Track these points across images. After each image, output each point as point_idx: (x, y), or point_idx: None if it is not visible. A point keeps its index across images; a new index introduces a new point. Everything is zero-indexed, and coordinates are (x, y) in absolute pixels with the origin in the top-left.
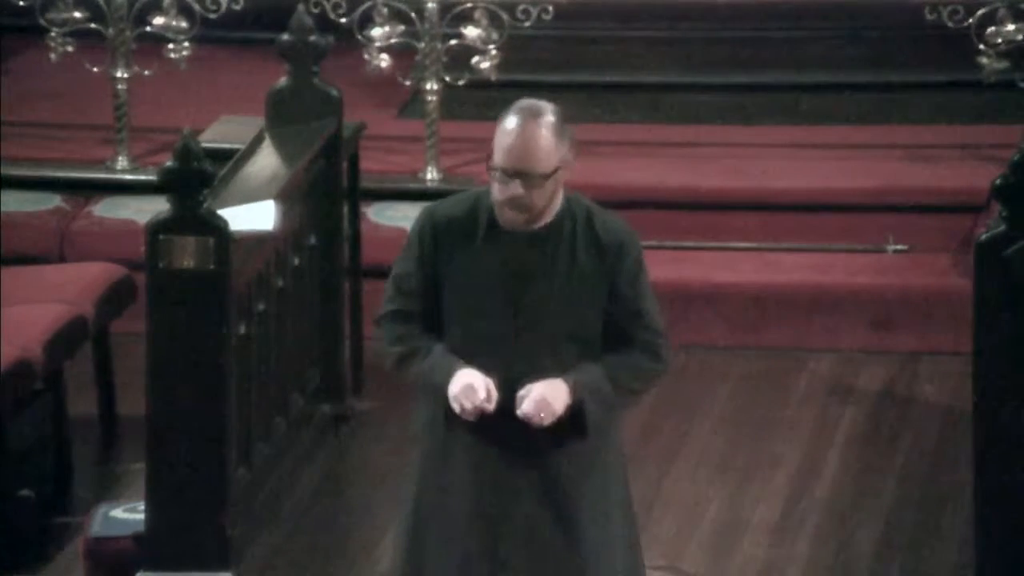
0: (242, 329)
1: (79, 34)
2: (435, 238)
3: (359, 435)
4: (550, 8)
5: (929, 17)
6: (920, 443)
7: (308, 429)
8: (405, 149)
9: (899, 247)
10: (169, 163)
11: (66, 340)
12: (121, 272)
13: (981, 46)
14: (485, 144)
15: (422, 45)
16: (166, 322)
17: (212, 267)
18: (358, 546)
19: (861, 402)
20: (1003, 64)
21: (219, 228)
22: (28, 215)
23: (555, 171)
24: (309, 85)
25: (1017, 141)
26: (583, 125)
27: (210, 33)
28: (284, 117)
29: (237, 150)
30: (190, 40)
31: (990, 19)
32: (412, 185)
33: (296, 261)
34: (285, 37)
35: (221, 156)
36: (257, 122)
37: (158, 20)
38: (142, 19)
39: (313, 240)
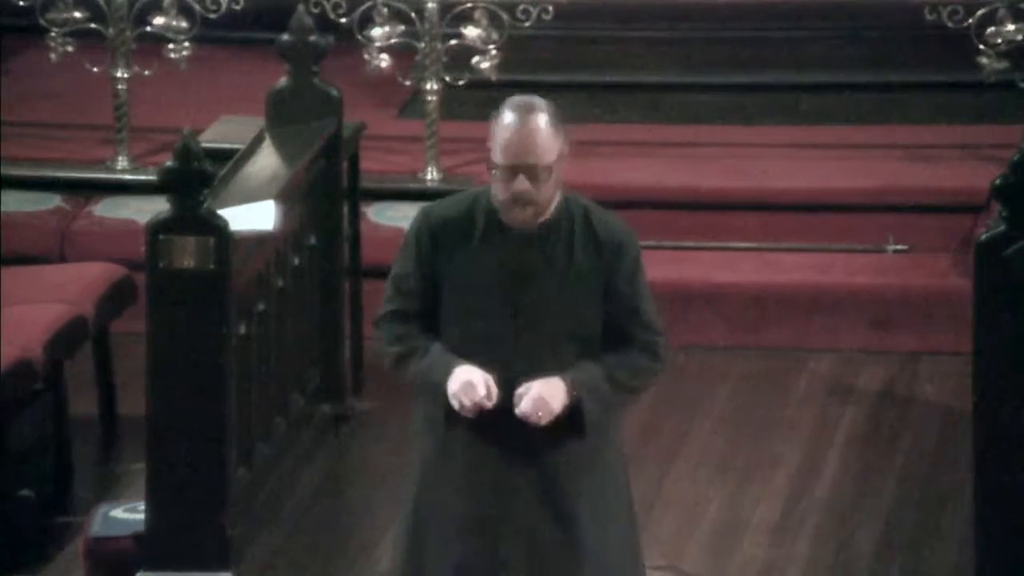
0: (242, 329)
1: (79, 34)
2: (432, 238)
3: (359, 435)
4: (550, 8)
5: (929, 17)
6: (920, 443)
7: (308, 429)
8: (405, 149)
9: (899, 247)
10: (169, 163)
11: (66, 340)
12: (121, 272)
13: (981, 46)
14: (485, 144)
15: (422, 45)
16: (166, 322)
17: (212, 267)
18: (358, 546)
19: (861, 402)
20: (1003, 64)
21: (219, 228)
22: (28, 215)
23: (556, 162)
24: (309, 85)
25: (1017, 141)
26: (583, 125)
27: (210, 33)
28: (284, 117)
29: (237, 150)
30: (190, 40)
31: (990, 19)
32: (412, 185)
33: (296, 261)
34: (285, 37)
35: (221, 156)
36: (257, 122)
37: (158, 20)
38: (142, 19)
39: (313, 240)
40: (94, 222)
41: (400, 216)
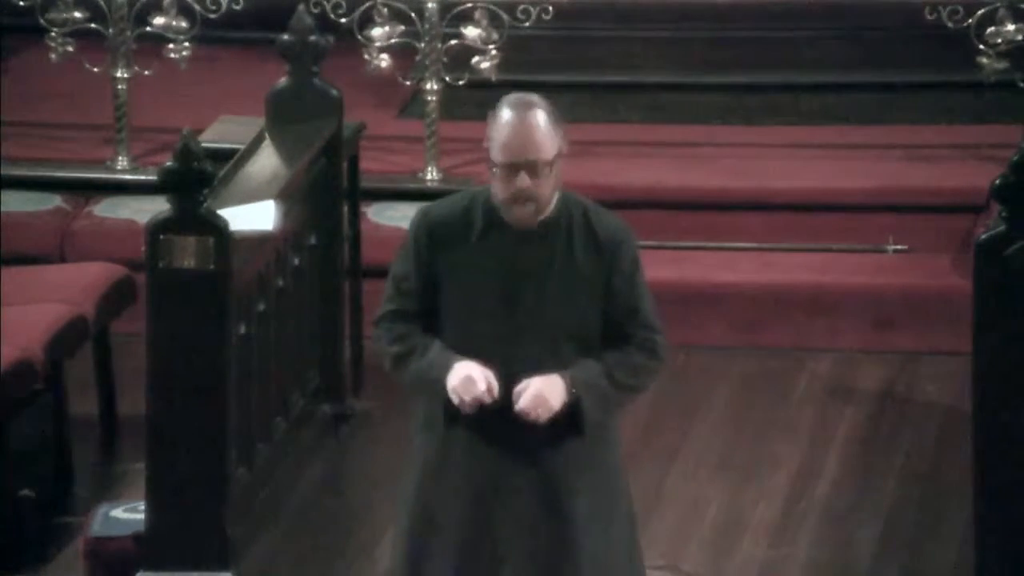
0: (242, 329)
1: (79, 34)
2: (431, 238)
3: (359, 435)
4: (550, 8)
5: (929, 17)
6: (920, 443)
7: (308, 429)
8: (405, 149)
9: (899, 247)
10: (169, 163)
11: (66, 340)
12: (121, 272)
13: (981, 46)
14: (482, 144)
15: (422, 45)
16: (166, 322)
17: (212, 267)
18: (358, 546)
19: (861, 402)
20: (1003, 64)
21: (219, 228)
22: (28, 215)
23: (556, 157)
24: (309, 85)
25: (1017, 141)
26: (583, 125)
27: (210, 33)
28: (284, 117)
29: (237, 150)
30: (190, 40)
31: (990, 19)
32: (412, 185)
33: (296, 261)
34: (285, 37)
35: (221, 156)
36: (257, 122)
37: (158, 20)
38: (142, 19)
39: (313, 240)
40: (94, 222)
41: (400, 216)
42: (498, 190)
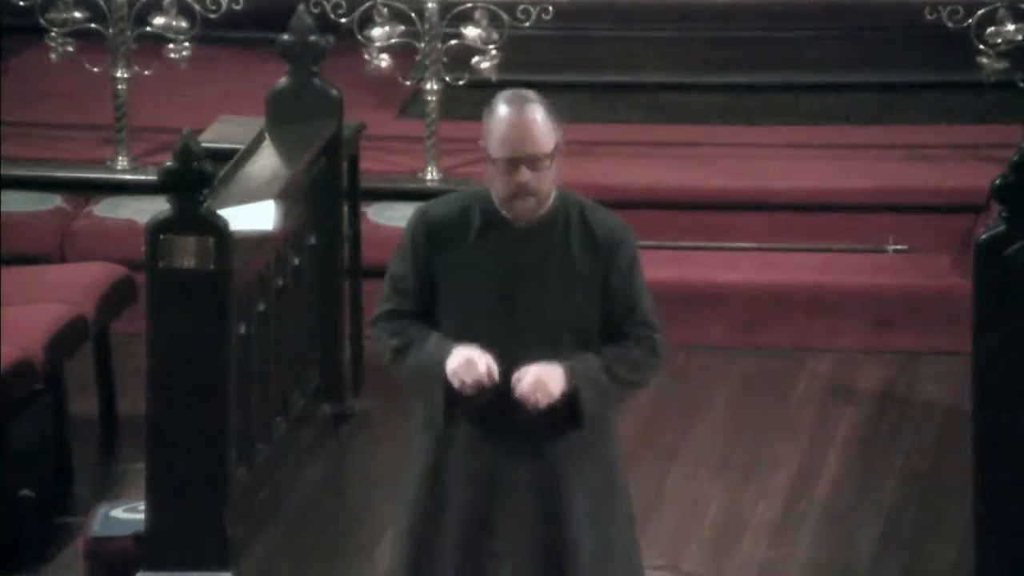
0: (242, 329)
1: (79, 34)
2: (428, 237)
3: (359, 435)
4: (550, 8)
5: (929, 17)
6: (920, 443)
7: (308, 429)
8: (405, 149)
9: (899, 247)
10: (169, 163)
11: (66, 340)
12: (121, 272)
13: (981, 46)
14: (478, 142)
15: (422, 45)
16: (166, 322)
17: (212, 267)
18: (358, 546)
19: (861, 402)
20: (1003, 64)
21: (219, 228)
22: (28, 215)
23: (555, 151)
24: (309, 85)
25: (1017, 141)
26: (583, 125)
27: (210, 33)
28: (284, 117)
29: (237, 150)
30: (190, 40)
31: (990, 19)
32: (412, 185)
33: (296, 261)
34: (285, 37)
35: (221, 156)
36: (257, 122)
37: (158, 20)
38: (142, 19)
39: (313, 240)
40: (94, 222)
41: (400, 216)
42: (498, 186)
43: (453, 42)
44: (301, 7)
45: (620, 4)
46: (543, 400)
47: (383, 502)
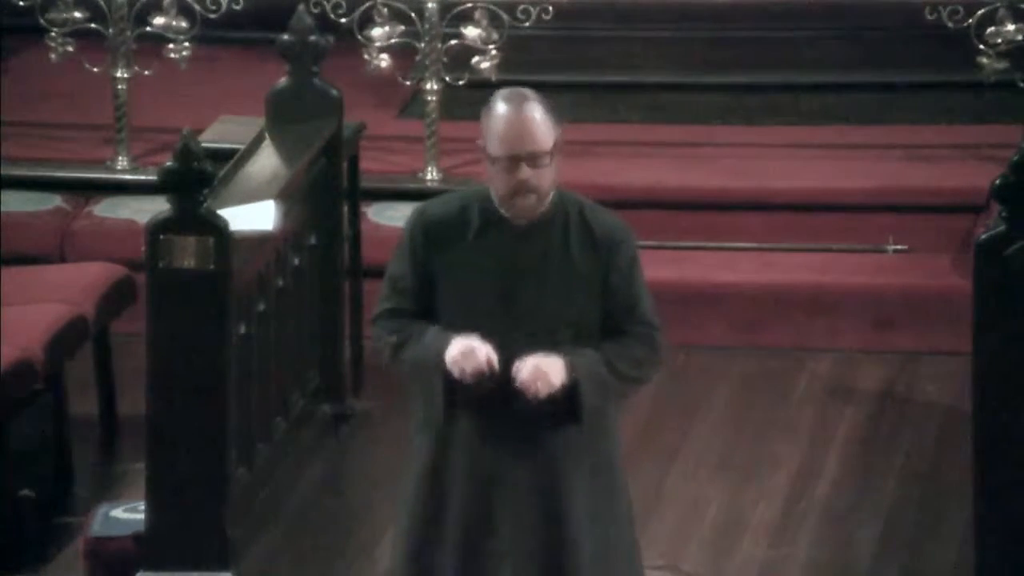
0: (242, 329)
1: (79, 34)
2: (427, 236)
3: (359, 435)
4: (550, 8)
5: (929, 17)
6: (920, 443)
7: (308, 429)
8: (405, 149)
9: (899, 247)
10: (169, 163)
11: (66, 340)
12: (121, 272)
13: (981, 46)
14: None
15: (422, 45)
16: (166, 322)
17: (212, 267)
18: (358, 546)
19: (861, 402)
20: (1003, 64)
21: (219, 228)
22: (28, 215)
23: (555, 147)
24: (309, 85)
25: (1017, 141)
26: (583, 125)
27: (210, 33)
28: (284, 117)
29: (237, 150)
30: (190, 40)
31: (990, 19)
32: (412, 185)
33: (296, 261)
34: (285, 37)
35: (221, 156)
36: (257, 122)
37: (158, 20)
38: (142, 19)
39: (313, 240)
40: (94, 222)
41: (400, 216)
42: (499, 184)
43: (453, 42)
44: (301, 7)
45: (620, 4)
46: (543, 389)
47: (383, 502)
